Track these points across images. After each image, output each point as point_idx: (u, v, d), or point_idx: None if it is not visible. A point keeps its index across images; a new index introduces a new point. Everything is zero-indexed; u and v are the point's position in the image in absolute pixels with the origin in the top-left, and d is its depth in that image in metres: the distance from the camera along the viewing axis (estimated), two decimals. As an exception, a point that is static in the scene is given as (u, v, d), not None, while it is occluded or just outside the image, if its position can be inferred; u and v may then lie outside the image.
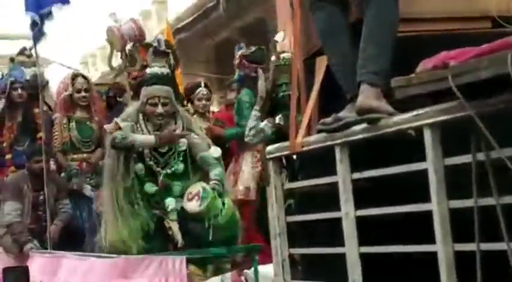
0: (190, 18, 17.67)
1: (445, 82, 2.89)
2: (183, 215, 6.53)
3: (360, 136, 3.72)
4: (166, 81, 6.80)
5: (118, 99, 8.46)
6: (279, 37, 7.67)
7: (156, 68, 6.84)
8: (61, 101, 8.15)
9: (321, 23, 4.05)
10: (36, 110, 8.23)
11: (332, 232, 4.00)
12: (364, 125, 3.69)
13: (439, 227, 3.28)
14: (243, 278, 6.12)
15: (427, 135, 3.29)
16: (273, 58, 7.47)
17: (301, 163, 4.48)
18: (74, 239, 7.81)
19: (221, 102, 10.62)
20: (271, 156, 4.38)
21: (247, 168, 7.96)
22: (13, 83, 8.36)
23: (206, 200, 6.25)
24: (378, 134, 3.61)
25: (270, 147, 4.42)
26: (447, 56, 2.99)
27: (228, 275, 6.14)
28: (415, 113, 3.37)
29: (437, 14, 4.04)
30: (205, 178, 6.69)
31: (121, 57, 8.12)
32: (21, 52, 8.60)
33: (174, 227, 6.55)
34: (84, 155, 8.05)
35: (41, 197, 7.80)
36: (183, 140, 6.70)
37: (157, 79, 6.70)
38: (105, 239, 6.56)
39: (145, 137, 6.60)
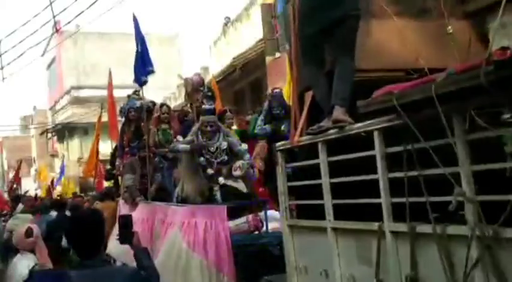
0: (221, 77, 17.69)
1: (391, 102, 2.74)
2: (223, 188, 6.50)
3: (333, 136, 3.58)
4: (213, 112, 6.83)
5: (185, 118, 8.42)
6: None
7: (207, 106, 6.87)
8: (154, 119, 8.22)
9: (308, 74, 3.93)
10: (142, 123, 8.40)
11: (314, 192, 3.86)
12: (336, 130, 3.55)
13: (382, 187, 3.14)
14: (258, 218, 5.94)
15: (376, 135, 3.15)
16: (268, 91, 7.50)
17: (297, 153, 4.31)
18: (163, 195, 7.66)
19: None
20: (279, 148, 4.23)
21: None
22: (130, 109, 8.58)
23: (244, 168, 6.38)
24: (345, 135, 3.48)
25: (278, 144, 4.28)
26: (391, 88, 2.84)
27: (250, 217, 5.97)
28: (367, 122, 3.24)
29: (373, 66, 3.90)
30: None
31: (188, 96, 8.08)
32: (134, 92, 8.86)
33: (218, 194, 6.48)
34: (166, 149, 7.95)
35: (144, 171, 7.92)
36: (224, 142, 6.66)
37: (208, 112, 6.74)
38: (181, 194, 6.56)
39: (183, 146, 6.70)
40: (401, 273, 3.06)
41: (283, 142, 4.26)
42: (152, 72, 8.06)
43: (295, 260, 4.16)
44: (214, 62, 22.12)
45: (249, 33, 18.91)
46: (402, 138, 2.87)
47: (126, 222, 3.30)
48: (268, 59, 16.51)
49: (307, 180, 3.92)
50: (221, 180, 6.50)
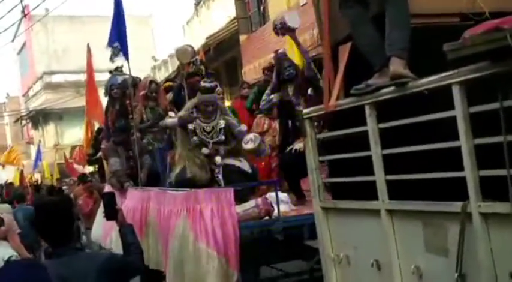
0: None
1: (501, 42, 1.96)
2: (225, 168, 5.74)
3: (389, 96, 2.80)
4: (213, 90, 5.98)
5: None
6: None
7: (208, 83, 5.97)
8: (141, 96, 7.26)
9: (351, 17, 3.11)
10: (127, 101, 7.43)
11: (355, 166, 3.10)
12: (392, 88, 2.77)
13: (468, 157, 2.39)
14: (269, 201, 5.15)
15: (456, 91, 2.39)
16: (272, 55, 6.64)
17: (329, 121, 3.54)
18: (154, 180, 6.86)
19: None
20: (307, 116, 3.45)
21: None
22: (111, 86, 7.67)
23: (257, 141, 5.61)
24: (407, 93, 2.71)
25: (306, 110, 3.49)
26: (497, 22, 2.06)
27: (260, 200, 5.17)
28: (442, 74, 2.48)
29: (426, 11, 3.11)
30: (238, 144, 5.84)
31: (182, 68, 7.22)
32: (115, 69, 7.83)
33: (220, 175, 5.72)
34: (156, 129, 7.11)
35: (131, 154, 7.02)
36: (222, 121, 5.86)
37: (209, 91, 5.89)
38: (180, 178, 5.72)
39: (171, 120, 6.05)
40: (496, 267, 2.34)
41: (313, 108, 3.47)
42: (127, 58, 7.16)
43: (333, 249, 3.41)
44: (189, 42, 21.35)
45: (222, 12, 18.43)
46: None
47: (109, 200, 3.29)
48: (242, 37, 16.21)
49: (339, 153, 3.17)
50: (218, 159, 5.72)
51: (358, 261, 3.21)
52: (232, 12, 16.59)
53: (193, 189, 5.16)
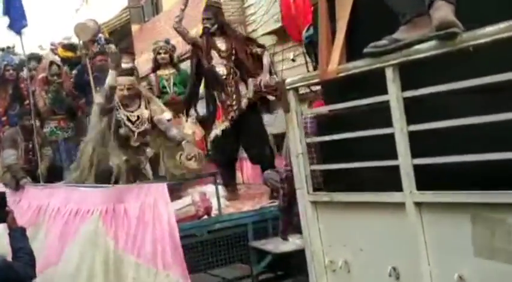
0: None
1: None
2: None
3: (427, 54, 2.12)
4: (132, 72, 5.09)
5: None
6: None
7: (124, 63, 5.15)
8: (40, 79, 6.20)
9: None
10: (22, 85, 6.36)
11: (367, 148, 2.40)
12: (431, 43, 2.09)
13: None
14: (207, 197, 4.32)
15: None
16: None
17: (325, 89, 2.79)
18: (55, 175, 5.78)
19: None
20: (292, 86, 2.67)
21: None
22: (6, 66, 6.51)
23: (202, 161, 4.68)
24: (453, 49, 2.03)
25: (289, 79, 2.69)
26: None
27: (197, 196, 4.32)
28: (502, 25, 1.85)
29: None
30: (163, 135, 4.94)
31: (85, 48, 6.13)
32: (8, 47, 6.80)
33: (147, 167, 4.98)
34: (62, 116, 6.10)
35: (30, 145, 5.87)
36: (146, 111, 4.92)
37: (126, 72, 4.97)
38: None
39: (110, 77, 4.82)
40: None
41: (301, 76, 2.70)
42: (26, 25, 5.94)
43: (325, 253, 2.68)
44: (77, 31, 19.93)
45: (113, 1, 17.45)
46: None
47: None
48: (134, 27, 15.82)
49: (342, 131, 2.45)
50: (149, 152, 4.86)
51: (363, 269, 2.50)
52: (124, 2, 16.08)
53: (113, 185, 4.17)
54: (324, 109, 2.71)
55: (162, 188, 3.95)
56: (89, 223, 4.15)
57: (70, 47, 6.87)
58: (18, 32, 5.86)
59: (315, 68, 3.15)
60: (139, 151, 4.81)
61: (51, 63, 6.30)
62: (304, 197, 2.70)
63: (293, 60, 9.20)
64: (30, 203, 5.22)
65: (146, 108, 4.92)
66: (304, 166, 2.67)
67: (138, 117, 4.86)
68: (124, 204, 3.92)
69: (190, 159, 4.66)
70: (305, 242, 2.75)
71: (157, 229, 3.83)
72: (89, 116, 5.41)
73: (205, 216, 4.29)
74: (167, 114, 5.01)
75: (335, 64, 2.43)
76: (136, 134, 4.78)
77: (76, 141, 6.14)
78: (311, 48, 3.30)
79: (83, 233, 4.20)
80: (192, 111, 5.72)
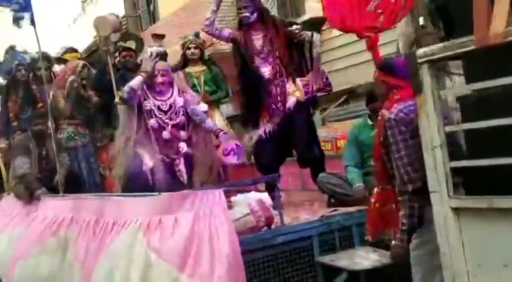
0: (85, 55, 16.28)
1: None
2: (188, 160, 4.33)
3: None
4: (165, 57, 4.68)
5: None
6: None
7: (157, 47, 4.53)
8: (69, 83, 5.44)
9: None
10: (34, 86, 5.78)
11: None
12: None
13: None
14: (267, 206, 3.66)
15: None
16: None
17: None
18: (73, 185, 5.06)
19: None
20: (426, 59, 2.06)
21: None
22: (18, 65, 5.92)
23: (241, 155, 4.24)
24: None
25: (423, 50, 2.08)
26: None
27: (254, 204, 3.63)
28: None
29: None
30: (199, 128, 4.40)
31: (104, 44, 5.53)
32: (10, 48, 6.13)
33: (182, 168, 4.29)
34: (79, 121, 5.47)
35: (44, 152, 5.15)
36: (180, 99, 4.36)
37: (160, 57, 4.46)
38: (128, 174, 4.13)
39: (136, 79, 4.29)
40: None
41: (434, 47, 2.09)
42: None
43: (469, 271, 2.06)
44: (76, 41, 19.64)
45: (110, 10, 17.21)
46: None
47: None
48: None
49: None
50: (183, 146, 4.27)
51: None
52: (121, 11, 15.66)
53: (167, 193, 3.50)
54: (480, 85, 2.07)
55: (218, 195, 3.30)
56: (125, 236, 3.50)
57: (73, 51, 6.31)
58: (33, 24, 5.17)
59: (442, 39, 2.54)
60: (171, 147, 4.23)
61: (84, 66, 5.66)
62: (442, 202, 2.08)
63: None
64: (47, 214, 4.56)
65: (180, 96, 4.35)
66: (443, 162, 2.06)
67: (170, 106, 4.28)
68: (175, 215, 3.26)
69: (228, 154, 4.14)
70: (443, 260, 2.12)
71: (214, 244, 3.18)
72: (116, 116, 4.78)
73: (265, 228, 3.64)
74: (203, 106, 4.46)
75: (501, 26, 1.83)
76: (170, 126, 4.19)
77: (93, 148, 5.55)
78: (438, 11, 2.69)
79: (116, 247, 3.54)
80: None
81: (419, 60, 2.06)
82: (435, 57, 2.03)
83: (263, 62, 4.57)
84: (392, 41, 5.98)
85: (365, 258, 3.54)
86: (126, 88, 4.25)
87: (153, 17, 15.52)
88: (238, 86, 4.74)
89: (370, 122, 4.34)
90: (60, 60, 6.20)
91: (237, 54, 4.66)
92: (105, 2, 18.27)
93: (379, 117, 3.08)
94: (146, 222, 3.38)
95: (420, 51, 2.07)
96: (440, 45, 2.02)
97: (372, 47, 4.24)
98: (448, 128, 2.06)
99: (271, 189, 4.48)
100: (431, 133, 2.07)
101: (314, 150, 4.68)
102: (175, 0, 12.35)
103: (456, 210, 2.06)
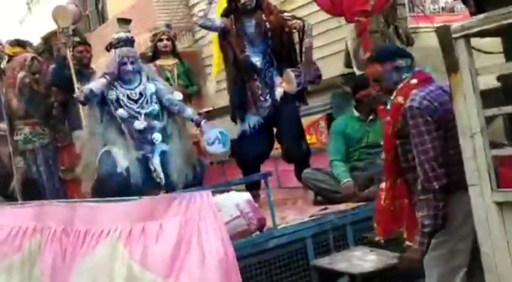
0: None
1: None
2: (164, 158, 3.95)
3: None
4: (132, 43, 4.11)
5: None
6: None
7: (123, 33, 4.06)
8: (20, 80, 4.95)
9: None
10: None
11: None
12: None
13: None
14: (256, 206, 3.35)
15: None
16: None
17: None
18: (33, 189, 4.69)
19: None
20: (463, 33, 1.81)
21: None
22: None
23: (227, 142, 3.92)
24: None
25: (457, 24, 1.83)
26: None
27: (244, 205, 3.31)
28: None
29: None
30: (174, 117, 4.07)
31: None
32: None
33: (158, 168, 3.90)
34: (36, 120, 4.93)
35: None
36: (151, 85, 4.01)
37: (126, 42, 4.05)
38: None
39: (98, 81, 3.91)
40: None
41: (471, 20, 1.83)
42: None
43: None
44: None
45: None
46: None
47: None
48: None
49: None
50: (157, 137, 3.90)
51: None
52: None
53: (148, 197, 3.14)
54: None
55: (207, 196, 2.97)
56: (103, 247, 3.12)
57: (17, 43, 5.81)
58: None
59: (472, 13, 2.29)
60: (144, 138, 3.88)
61: (33, 58, 5.14)
62: (483, 196, 1.84)
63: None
64: (3, 225, 4.09)
65: (150, 83, 4.01)
66: (484, 150, 1.81)
67: (141, 94, 3.94)
68: (160, 221, 2.91)
69: (211, 144, 3.85)
70: (485, 262, 1.88)
71: (205, 249, 2.85)
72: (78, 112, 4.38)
73: (257, 232, 3.33)
74: (178, 94, 4.12)
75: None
76: (143, 115, 3.86)
77: (53, 149, 5.10)
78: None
79: (93, 260, 3.17)
80: None
81: (455, 35, 1.80)
82: (473, 31, 1.77)
83: (254, 51, 4.29)
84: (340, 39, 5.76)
85: (363, 259, 3.29)
86: (85, 90, 3.87)
87: (102, 17, 15.14)
88: (227, 77, 4.42)
89: (356, 114, 4.11)
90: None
91: (228, 45, 4.35)
92: (51, 2, 17.62)
93: (380, 106, 2.83)
94: (127, 230, 3.01)
95: (456, 25, 1.81)
96: (481, 16, 1.77)
97: (362, 32, 4.03)
98: (488, 111, 1.81)
99: (252, 187, 4.18)
100: (470, 117, 1.82)
101: (302, 145, 4.42)
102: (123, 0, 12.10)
103: (499, 205, 1.82)
